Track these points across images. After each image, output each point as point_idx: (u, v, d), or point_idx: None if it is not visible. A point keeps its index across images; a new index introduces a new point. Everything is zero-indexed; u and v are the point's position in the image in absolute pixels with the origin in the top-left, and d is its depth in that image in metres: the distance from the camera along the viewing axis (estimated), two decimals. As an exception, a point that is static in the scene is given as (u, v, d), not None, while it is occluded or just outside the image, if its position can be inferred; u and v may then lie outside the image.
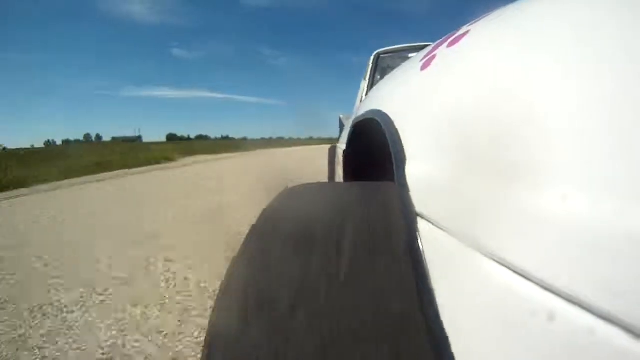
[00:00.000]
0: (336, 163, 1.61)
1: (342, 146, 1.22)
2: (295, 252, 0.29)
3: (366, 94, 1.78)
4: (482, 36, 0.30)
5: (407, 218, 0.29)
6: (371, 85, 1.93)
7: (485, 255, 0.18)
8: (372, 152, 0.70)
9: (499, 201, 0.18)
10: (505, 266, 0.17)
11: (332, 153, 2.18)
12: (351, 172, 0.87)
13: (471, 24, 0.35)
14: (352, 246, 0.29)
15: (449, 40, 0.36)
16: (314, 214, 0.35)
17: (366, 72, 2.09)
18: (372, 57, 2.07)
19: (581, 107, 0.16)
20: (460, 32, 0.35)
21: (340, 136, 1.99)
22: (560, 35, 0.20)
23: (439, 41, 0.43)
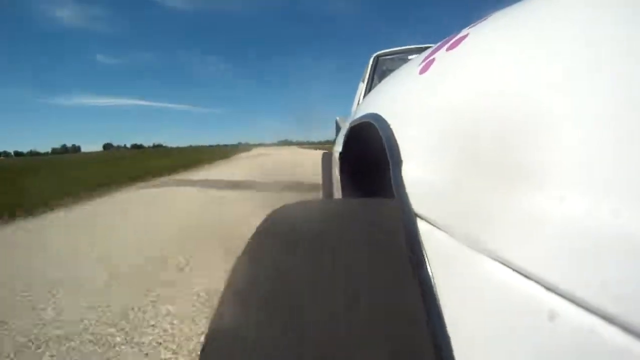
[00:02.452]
0: (332, 165, 1.60)
1: (338, 149, 1.21)
2: (298, 255, 0.30)
3: (364, 97, 1.77)
4: (481, 39, 0.30)
5: (406, 218, 0.29)
6: (369, 87, 1.93)
7: (486, 256, 0.18)
8: (369, 155, 0.69)
9: (498, 202, 0.18)
10: (506, 266, 0.17)
11: (327, 158, 2.18)
12: (347, 175, 0.86)
13: (470, 27, 0.35)
14: (353, 248, 0.29)
15: (448, 44, 0.36)
16: (317, 221, 0.35)
17: (364, 74, 2.08)
18: (371, 60, 2.07)
19: (580, 109, 0.16)
20: (459, 35, 0.35)
21: (336, 139, 1.98)
22: (559, 38, 0.20)
23: (438, 44, 0.43)
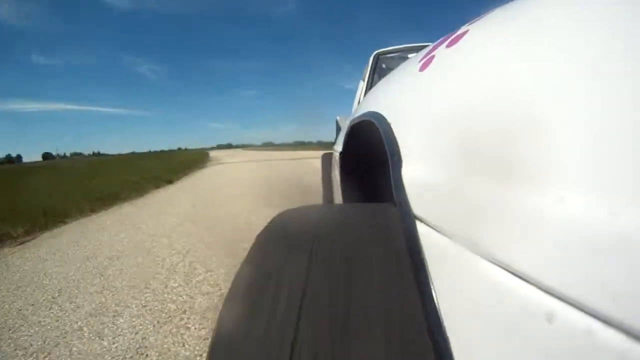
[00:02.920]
0: (333, 165, 1.60)
1: (338, 148, 1.21)
2: (300, 258, 0.30)
3: (364, 95, 1.77)
4: (481, 36, 0.30)
5: (405, 221, 0.29)
6: (370, 86, 1.92)
7: (484, 257, 0.18)
8: (369, 154, 0.69)
9: (497, 203, 0.18)
10: (504, 268, 0.17)
11: (327, 158, 2.17)
12: (347, 175, 0.86)
13: (470, 24, 0.34)
14: (354, 251, 0.29)
15: (448, 41, 0.36)
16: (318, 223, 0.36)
17: (365, 72, 2.08)
18: (371, 58, 2.06)
19: (580, 108, 0.16)
20: (459, 32, 0.34)
21: (336, 139, 1.98)
22: (559, 35, 0.19)
23: (438, 41, 0.42)
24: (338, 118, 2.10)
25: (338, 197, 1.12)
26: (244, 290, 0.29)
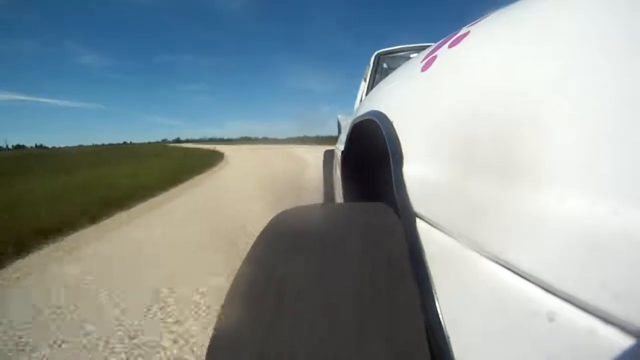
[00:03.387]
0: (334, 164, 1.60)
1: (340, 147, 1.21)
2: (300, 257, 0.30)
3: (366, 95, 1.77)
4: (482, 37, 0.30)
5: (406, 218, 0.29)
6: (371, 85, 1.92)
7: (484, 256, 0.18)
8: (371, 153, 0.69)
9: (498, 202, 0.18)
10: (505, 266, 0.17)
11: (330, 156, 2.17)
12: (349, 173, 0.86)
13: (472, 25, 0.35)
14: (353, 250, 0.29)
15: (450, 41, 0.36)
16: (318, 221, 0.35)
17: (366, 72, 2.08)
18: (372, 58, 2.06)
19: (581, 108, 0.16)
20: (461, 32, 0.35)
21: (338, 137, 1.98)
22: (560, 35, 0.20)
23: (440, 42, 0.43)
24: (339, 117, 2.10)
25: (339, 195, 1.12)
26: (244, 292, 0.28)
